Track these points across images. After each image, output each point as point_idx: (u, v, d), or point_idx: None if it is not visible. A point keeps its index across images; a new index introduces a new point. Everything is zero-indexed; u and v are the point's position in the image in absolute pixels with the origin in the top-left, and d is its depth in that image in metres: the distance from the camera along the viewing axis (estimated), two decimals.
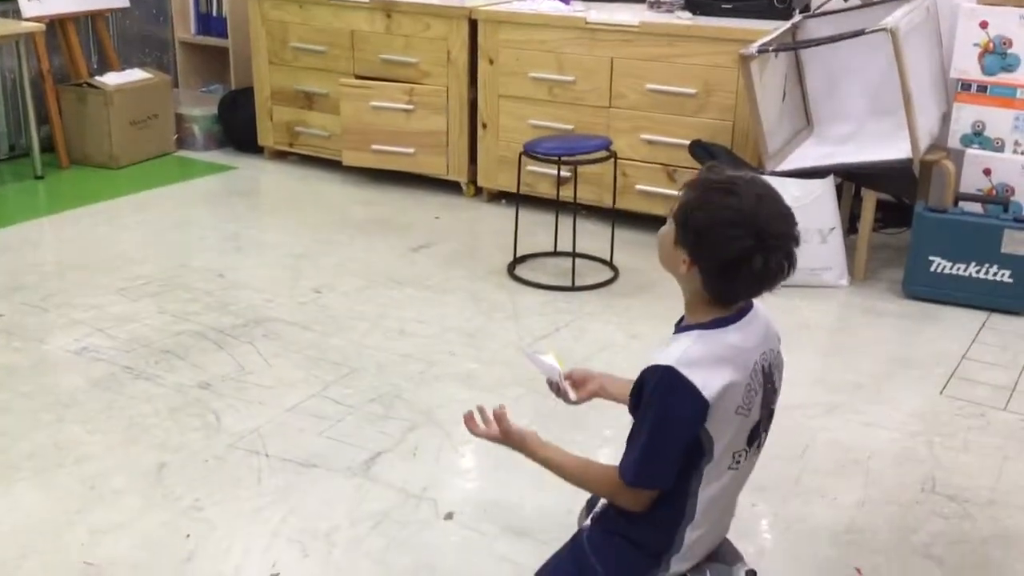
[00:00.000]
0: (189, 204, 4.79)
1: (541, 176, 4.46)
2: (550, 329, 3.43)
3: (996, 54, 3.84)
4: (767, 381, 1.81)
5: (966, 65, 3.89)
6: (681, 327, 1.79)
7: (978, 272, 3.64)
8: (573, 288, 3.80)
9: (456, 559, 2.25)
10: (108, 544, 2.27)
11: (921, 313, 3.65)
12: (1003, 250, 3.59)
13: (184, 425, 2.77)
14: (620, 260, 3.98)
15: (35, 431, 2.73)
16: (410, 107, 4.79)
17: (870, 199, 3.91)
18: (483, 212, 4.73)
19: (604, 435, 2.65)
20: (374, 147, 4.89)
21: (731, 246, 1.65)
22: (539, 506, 2.42)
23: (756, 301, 1.80)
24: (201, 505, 2.42)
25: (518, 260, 4.01)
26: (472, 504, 2.45)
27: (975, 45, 3.86)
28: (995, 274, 3.62)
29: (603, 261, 4.01)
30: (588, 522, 1.93)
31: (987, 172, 3.90)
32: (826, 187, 3.80)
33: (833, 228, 3.81)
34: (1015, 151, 3.88)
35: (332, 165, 5.14)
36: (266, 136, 5.37)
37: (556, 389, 2.04)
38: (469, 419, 1.86)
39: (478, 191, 4.88)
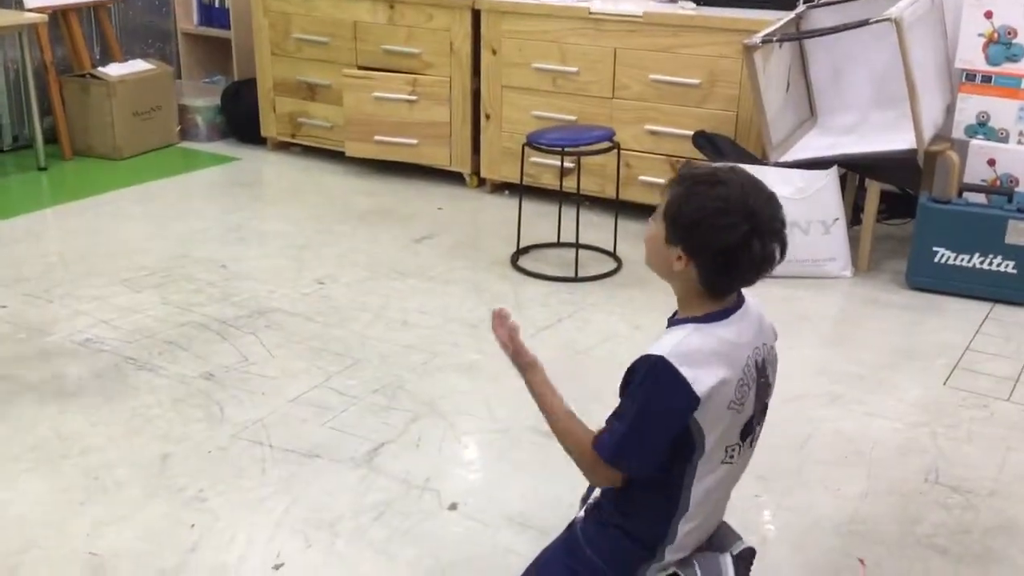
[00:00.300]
0: (192, 195, 4.79)
1: (544, 167, 4.46)
2: (553, 320, 3.43)
3: (1001, 44, 3.82)
4: (760, 376, 1.82)
5: (971, 55, 3.88)
6: (675, 321, 1.79)
7: (982, 263, 3.63)
8: (576, 279, 3.79)
9: (459, 549, 2.25)
10: (112, 535, 2.28)
11: (925, 304, 3.65)
12: (1007, 241, 3.59)
13: (187, 416, 2.78)
14: (623, 251, 3.98)
15: (38, 422, 2.74)
16: (413, 98, 4.78)
17: (874, 190, 3.91)
18: (486, 203, 4.73)
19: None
20: (377, 138, 4.89)
21: (727, 234, 1.66)
22: (542, 497, 2.42)
23: (748, 296, 1.81)
24: (204, 496, 2.43)
25: (521, 251, 4.00)
26: (475, 495, 2.46)
27: (980, 35, 3.85)
28: (999, 265, 3.61)
29: (606, 252, 4.01)
30: (582, 513, 1.94)
31: (991, 163, 3.89)
32: (830, 178, 3.80)
33: (837, 219, 3.81)
34: (1019, 141, 3.87)
35: (335, 156, 5.14)
36: (269, 127, 5.37)
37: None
38: (498, 316, 1.83)
39: (481, 182, 4.87)
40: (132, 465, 2.55)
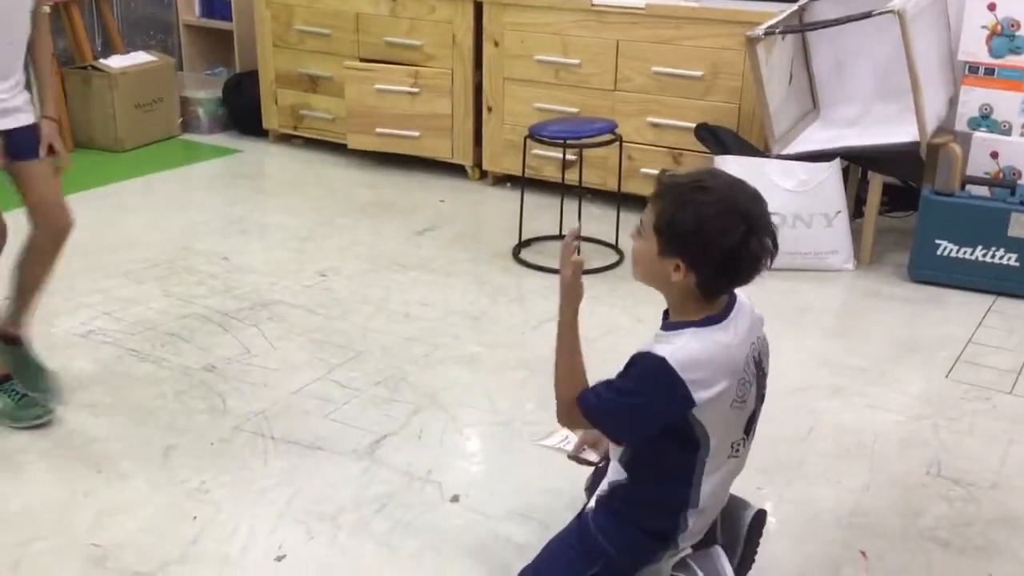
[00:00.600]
0: (194, 187, 4.79)
1: (546, 159, 4.45)
2: (555, 313, 3.42)
3: (1004, 36, 3.81)
4: (759, 369, 1.85)
5: (974, 47, 3.87)
6: (671, 324, 1.81)
7: (984, 256, 3.63)
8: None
9: (461, 541, 2.25)
10: (115, 526, 2.28)
11: (927, 297, 3.64)
12: (1010, 233, 3.58)
13: (190, 408, 2.78)
14: (625, 244, 3.98)
15: None
16: (415, 90, 4.77)
17: (876, 182, 3.90)
18: (488, 195, 4.72)
19: None
20: (379, 130, 4.88)
21: (726, 237, 1.67)
22: (543, 488, 2.42)
23: (738, 291, 1.83)
24: (207, 487, 2.43)
25: (523, 243, 4.00)
26: (477, 487, 2.46)
27: (983, 27, 3.84)
28: (1002, 258, 3.61)
29: (608, 245, 4.01)
30: (592, 503, 1.95)
31: (994, 155, 3.89)
32: (832, 170, 3.79)
33: (839, 212, 3.80)
34: (1023, 134, 3.86)
35: (337, 148, 5.14)
36: (271, 119, 5.37)
37: (577, 459, 2.14)
38: (572, 236, 1.87)
39: (483, 174, 4.87)
40: (135, 457, 2.55)
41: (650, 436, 1.79)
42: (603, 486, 1.96)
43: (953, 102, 4.02)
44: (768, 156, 3.86)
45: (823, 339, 3.35)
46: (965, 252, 3.65)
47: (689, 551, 1.96)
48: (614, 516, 1.89)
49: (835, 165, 3.80)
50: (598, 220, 4.12)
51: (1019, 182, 3.81)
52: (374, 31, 4.87)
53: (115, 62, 5.23)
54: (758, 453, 1.99)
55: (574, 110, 4.44)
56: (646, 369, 1.75)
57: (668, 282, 1.76)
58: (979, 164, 3.89)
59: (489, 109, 4.70)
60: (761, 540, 2.06)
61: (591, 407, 1.80)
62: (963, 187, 3.78)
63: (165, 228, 4.16)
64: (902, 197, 4.32)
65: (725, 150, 3.92)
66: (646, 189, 4.31)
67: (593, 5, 4.31)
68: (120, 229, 4.13)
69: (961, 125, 3.95)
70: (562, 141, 3.82)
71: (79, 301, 3.43)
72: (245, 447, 2.60)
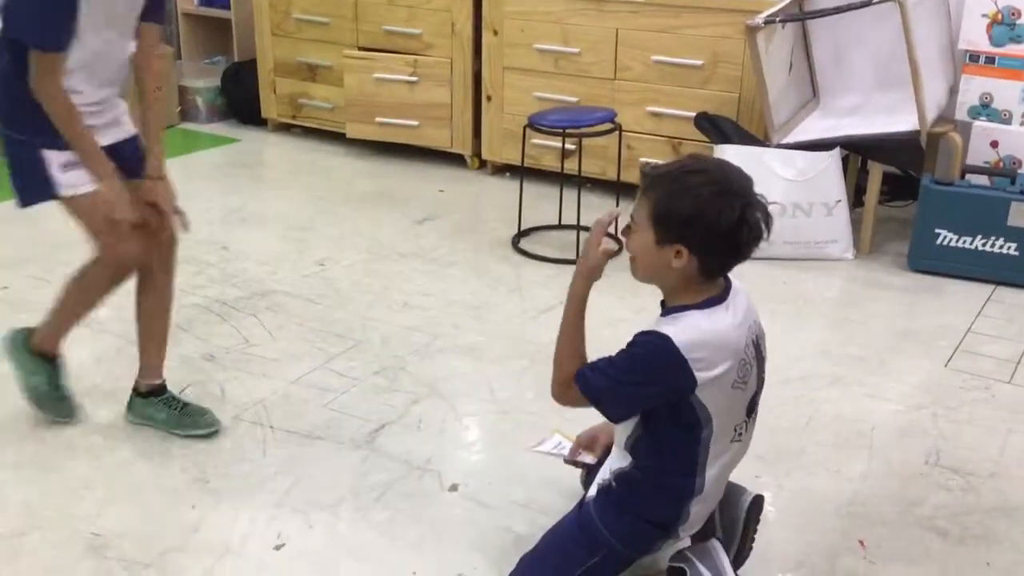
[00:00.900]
0: (192, 177, 4.78)
1: (546, 149, 4.44)
2: (554, 302, 3.43)
3: (1005, 25, 3.80)
4: (758, 352, 1.86)
5: (974, 36, 3.86)
6: (671, 309, 1.82)
7: (984, 245, 3.62)
8: (578, 261, 3.78)
9: (460, 530, 2.26)
10: (114, 515, 2.28)
11: (926, 286, 3.64)
12: (1009, 223, 3.58)
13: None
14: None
15: None
16: (414, 79, 4.76)
17: (876, 172, 3.89)
18: (487, 185, 4.72)
19: None
20: (378, 119, 4.87)
21: (725, 215, 1.70)
22: (542, 478, 2.42)
23: (732, 277, 1.85)
24: (206, 477, 2.43)
25: (522, 233, 4.00)
26: (476, 476, 2.46)
27: (983, 16, 3.83)
28: (1001, 247, 3.61)
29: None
30: (593, 492, 1.96)
31: (994, 144, 3.88)
32: (832, 160, 3.79)
33: (839, 201, 3.80)
34: (1022, 123, 3.85)
35: (336, 137, 5.13)
36: (269, 108, 5.36)
37: (574, 463, 2.18)
38: (609, 220, 1.89)
39: (482, 164, 4.86)
40: (134, 446, 2.55)
41: (647, 412, 1.80)
42: (604, 474, 1.96)
43: (953, 91, 4.01)
44: (768, 145, 3.85)
45: (822, 328, 3.35)
46: (965, 241, 3.65)
47: (688, 543, 1.97)
48: (616, 505, 1.89)
49: (835, 154, 3.79)
50: (597, 209, 4.10)
51: (1019, 171, 3.81)
52: (373, 19, 4.86)
53: None
54: (757, 442, 1.99)
55: (574, 99, 4.43)
56: (650, 348, 1.75)
57: (668, 269, 1.76)
58: (979, 153, 3.89)
59: (488, 98, 4.68)
60: (759, 527, 2.06)
61: (589, 385, 1.82)
62: (963, 176, 3.78)
63: None
64: (902, 186, 4.32)
65: (725, 139, 3.91)
66: None
67: None
68: None
69: (961, 114, 3.94)
70: (561, 130, 3.81)
71: None
72: (244, 436, 2.60)
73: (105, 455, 2.51)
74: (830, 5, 3.90)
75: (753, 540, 2.04)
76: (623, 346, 1.83)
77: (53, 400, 2.62)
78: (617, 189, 4.06)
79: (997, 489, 2.45)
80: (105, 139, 2.39)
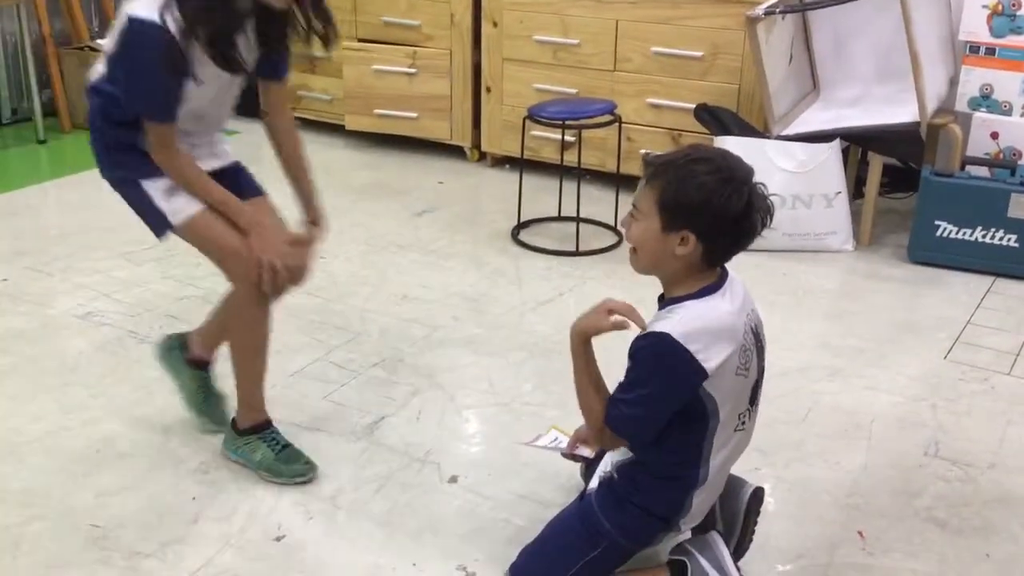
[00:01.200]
0: None
1: (545, 141, 4.44)
2: (554, 294, 3.43)
3: (1005, 16, 3.79)
4: (757, 340, 1.87)
5: (974, 27, 3.85)
6: (668, 301, 1.82)
7: (984, 237, 3.62)
8: (577, 253, 3.79)
9: (459, 522, 2.26)
10: (114, 507, 2.29)
11: (926, 278, 3.64)
12: (1009, 214, 3.58)
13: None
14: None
15: (40, 395, 2.74)
16: (413, 71, 4.75)
17: (876, 163, 3.89)
18: (486, 177, 4.71)
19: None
20: (377, 111, 4.87)
21: (734, 201, 1.71)
22: (541, 470, 2.42)
23: (729, 267, 1.86)
24: (206, 468, 2.43)
25: (522, 225, 4.00)
26: (475, 468, 2.46)
27: (984, 7, 3.81)
28: (1001, 239, 3.60)
29: (607, 226, 4.00)
30: (595, 484, 1.96)
31: (994, 136, 3.87)
32: (832, 151, 3.78)
33: (839, 192, 3.79)
34: (1023, 114, 3.84)
35: (335, 129, 5.12)
36: None
37: (572, 456, 2.18)
38: (623, 315, 1.86)
39: (482, 156, 4.86)
40: (134, 437, 2.56)
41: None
42: (606, 466, 1.96)
43: (953, 82, 4.00)
44: (768, 137, 3.85)
45: (822, 320, 3.35)
46: (965, 233, 3.65)
47: (688, 535, 1.97)
48: (618, 497, 1.89)
49: (835, 146, 3.79)
50: (597, 201, 4.11)
51: (1019, 163, 3.80)
52: (372, 11, 4.85)
53: None
54: (757, 434, 1.99)
55: (573, 91, 4.42)
56: (650, 353, 1.75)
57: (672, 257, 1.77)
58: (979, 145, 3.88)
59: (488, 90, 4.68)
60: (759, 519, 2.06)
61: (623, 426, 1.81)
62: (963, 168, 3.77)
63: None
64: (902, 178, 4.31)
65: (725, 131, 3.91)
66: None
67: None
68: (118, 211, 4.08)
69: (961, 105, 3.94)
70: (561, 122, 3.81)
71: (78, 282, 3.42)
72: None
73: (104, 445, 2.52)
74: None
75: (753, 532, 2.04)
76: (621, 339, 1.83)
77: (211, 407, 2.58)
78: (617, 181, 4.06)
79: (996, 480, 2.45)
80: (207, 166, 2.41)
